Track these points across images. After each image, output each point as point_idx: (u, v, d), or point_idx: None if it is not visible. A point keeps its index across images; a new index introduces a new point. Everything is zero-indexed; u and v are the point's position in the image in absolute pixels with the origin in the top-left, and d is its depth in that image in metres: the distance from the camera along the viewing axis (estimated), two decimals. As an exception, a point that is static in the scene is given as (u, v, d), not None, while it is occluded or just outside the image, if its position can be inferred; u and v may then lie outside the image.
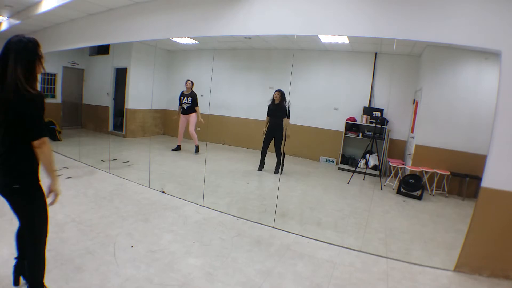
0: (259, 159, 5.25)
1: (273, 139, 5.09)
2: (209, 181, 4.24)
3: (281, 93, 4.98)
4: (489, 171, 2.37)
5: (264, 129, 5.15)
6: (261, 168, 5.22)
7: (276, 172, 5.08)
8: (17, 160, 1.53)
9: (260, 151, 5.22)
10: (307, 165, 6.08)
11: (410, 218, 3.65)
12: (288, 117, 4.93)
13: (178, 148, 6.25)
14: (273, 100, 5.05)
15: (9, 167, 1.53)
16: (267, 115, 5.14)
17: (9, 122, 1.48)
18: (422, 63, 5.24)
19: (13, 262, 1.84)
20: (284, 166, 5.11)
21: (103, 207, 3.22)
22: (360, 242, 2.90)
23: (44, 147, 1.51)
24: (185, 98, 6.03)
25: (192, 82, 6.09)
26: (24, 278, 1.81)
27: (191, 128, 6.07)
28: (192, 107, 6.04)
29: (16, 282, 1.81)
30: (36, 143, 1.49)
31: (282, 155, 5.06)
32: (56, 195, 1.62)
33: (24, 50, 1.49)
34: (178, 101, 6.17)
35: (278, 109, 4.96)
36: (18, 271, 1.82)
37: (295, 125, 6.42)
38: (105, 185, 3.96)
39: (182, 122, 6.13)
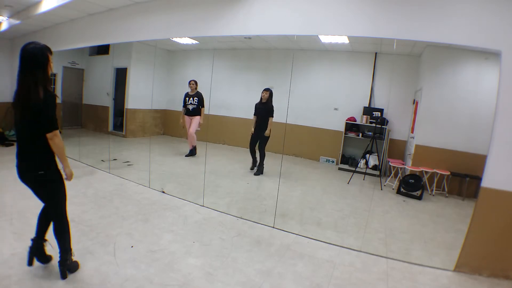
0: (251, 160, 5.18)
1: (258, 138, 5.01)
2: (209, 181, 4.24)
3: (269, 93, 4.89)
4: (489, 171, 2.37)
5: (253, 129, 5.05)
6: (253, 166, 5.15)
7: (256, 174, 4.98)
8: (38, 151, 1.79)
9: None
10: (307, 165, 6.08)
11: (410, 218, 3.65)
12: (272, 116, 4.88)
13: (192, 153, 5.96)
14: (260, 99, 4.97)
15: (33, 158, 1.80)
16: (254, 114, 5.04)
17: (30, 120, 1.72)
18: (422, 63, 5.24)
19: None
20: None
21: (103, 207, 3.22)
22: (360, 242, 2.90)
23: (55, 138, 1.77)
24: (191, 99, 5.82)
25: (195, 82, 5.86)
26: (38, 260, 2.02)
27: (192, 130, 5.87)
28: (198, 108, 5.83)
29: (30, 262, 1.97)
30: (49, 135, 1.75)
31: (264, 155, 5.01)
32: (70, 175, 1.93)
33: (42, 56, 1.73)
34: (182, 103, 5.96)
35: (265, 108, 4.89)
36: (33, 252, 1.97)
37: (295, 125, 6.45)
38: (105, 185, 3.96)
39: (188, 123, 5.92)
